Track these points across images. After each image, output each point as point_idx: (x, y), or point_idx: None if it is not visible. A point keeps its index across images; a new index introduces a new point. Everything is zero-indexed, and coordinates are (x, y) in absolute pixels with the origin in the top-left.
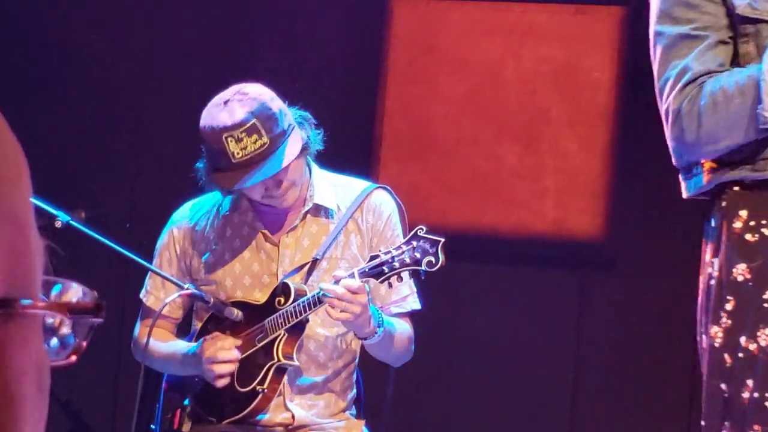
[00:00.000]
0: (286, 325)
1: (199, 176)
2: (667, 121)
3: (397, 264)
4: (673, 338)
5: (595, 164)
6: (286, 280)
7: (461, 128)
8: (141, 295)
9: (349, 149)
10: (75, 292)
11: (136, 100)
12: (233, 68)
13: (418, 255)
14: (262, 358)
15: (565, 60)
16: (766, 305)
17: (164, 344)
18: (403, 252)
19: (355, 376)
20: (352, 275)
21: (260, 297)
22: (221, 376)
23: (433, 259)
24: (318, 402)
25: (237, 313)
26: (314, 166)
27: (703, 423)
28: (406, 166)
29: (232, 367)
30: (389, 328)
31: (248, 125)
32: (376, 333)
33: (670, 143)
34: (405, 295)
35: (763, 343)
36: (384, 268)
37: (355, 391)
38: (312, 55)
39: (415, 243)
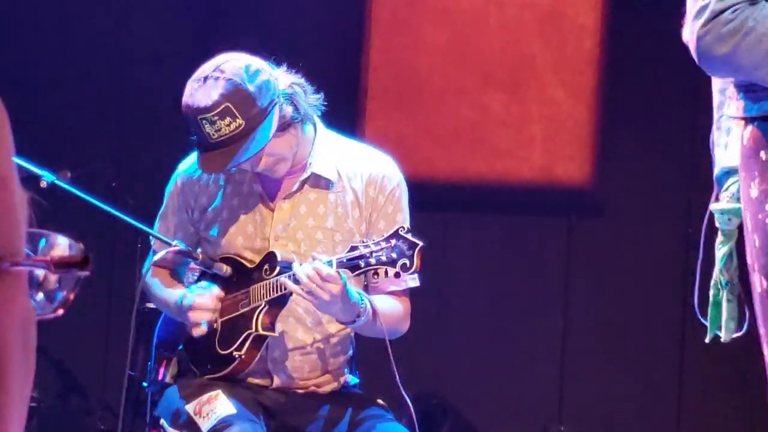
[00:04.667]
0: (267, 297)
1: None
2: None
3: (373, 260)
4: (663, 281)
5: (582, 110)
6: (275, 251)
7: (446, 78)
8: (150, 238)
9: (336, 102)
10: (61, 246)
11: (121, 62)
12: (218, 21)
13: (394, 255)
14: (242, 325)
15: (548, 6)
16: None
17: (161, 289)
18: (381, 249)
19: (349, 338)
20: (330, 263)
21: (253, 258)
22: (197, 324)
23: (407, 262)
24: (303, 365)
25: (226, 269)
26: (320, 130)
27: None
28: (392, 117)
29: (208, 315)
30: (374, 314)
31: (221, 108)
32: (354, 322)
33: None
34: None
35: None
36: (360, 261)
37: (350, 353)
38: (296, 8)
39: (393, 242)
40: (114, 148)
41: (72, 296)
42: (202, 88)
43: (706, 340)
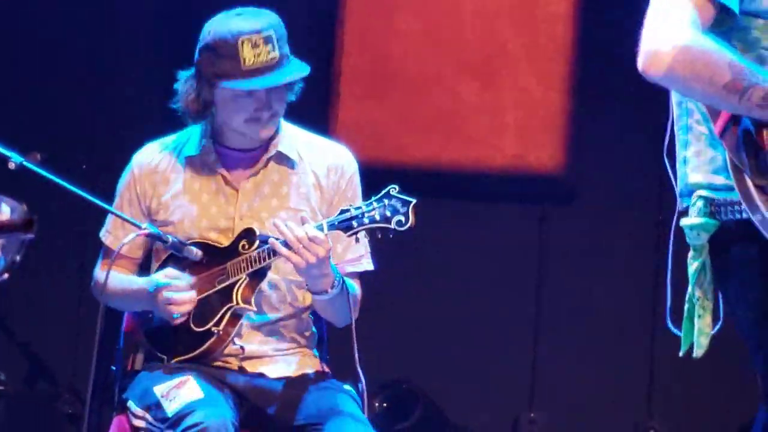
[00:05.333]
0: (248, 270)
1: (177, 100)
2: None
3: (366, 220)
4: (635, 268)
5: (555, 98)
6: (252, 227)
7: (420, 65)
8: (100, 235)
9: (309, 88)
10: (3, 211)
11: (92, 42)
12: (191, 8)
13: (388, 213)
14: (220, 300)
15: None
16: None
17: (121, 281)
18: (374, 209)
19: (312, 317)
20: (320, 227)
21: (219, 239)
22: (178, 316)
23: (403, 218)
24: (269, 339)
25: (196, 252)
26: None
27: None
28: (365, 103)
29: (189, 307)
30: (344, 291)
31: (267, 34)
32: (327, 292)
33: None
34: (360, 255)
35: None
36: (353, 222)
37: (314, 331)
38: None
39: (386, 201)
40: (86, 131)
41: (17, 259)
42: (241, 18)
43: (680, 354)
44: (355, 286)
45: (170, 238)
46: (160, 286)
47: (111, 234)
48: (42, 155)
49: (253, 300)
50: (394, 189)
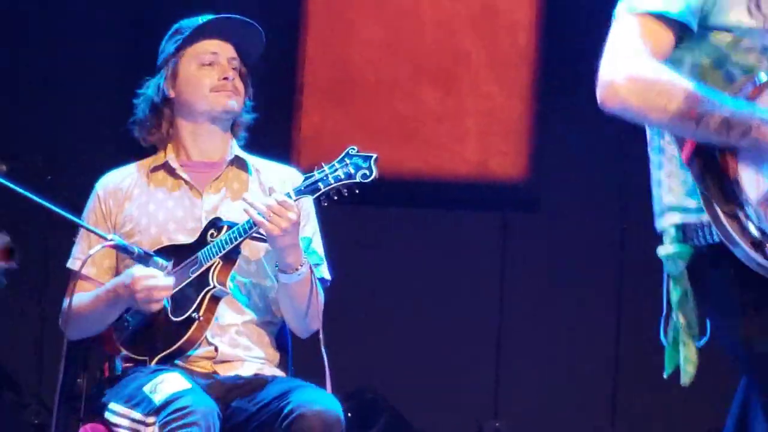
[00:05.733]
0: (220, 252)
1: (140, 102)
2: None
3: (331, 180)
4: (597, 275)
5: (516, 105)
6: (218, 216)
7: (381, 73)
8: (68, 264)
9: (271, 95)
10: None
11: (55, 52)
12: (147, 12)
13: (352, 170)
14: (196, 288)
15: (483, 2)
16: None
17: (89, 295)
18: (336, 169)
19: (277, 329)
20: (288, 195)
21: (187, 240)
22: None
23: (367, 171)
24: (239, 340)
25: (162, 264)
26: None
27: None
28: (327, 111)
29: (167, 293)
30: (313, 279)
31: (236, 17)
32: (297, 270)
33: None
34: (316, 264)
35: None
36: (319, 184)
37: (278, 344)
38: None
39: (348, 160)
40: (48, 140)
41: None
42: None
43: (664, 376)
44: (321, 290)
45: (136, 250)
46: (138, 275)
47: (78, 260)
48: (7, 166)
49: (228, 282)
50: (353, 149)
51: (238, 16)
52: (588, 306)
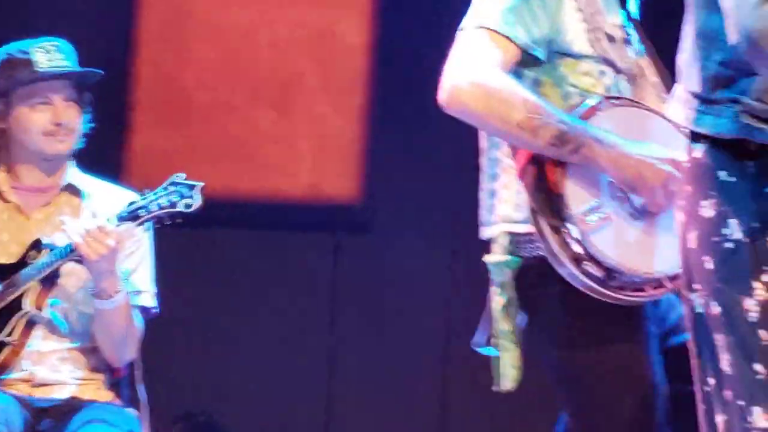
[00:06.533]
0: (39, 275)
1: None
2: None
3: (154, 207)
4: (428, 297)
5: (350, 128)
6: (39, 237)
7: (215, 94)
8: None
9: (101, 115)
10: None
11: None
12: None
13: (175, 198)
14: (10, 311)
15: (319, 25)
16: None
17: None
18: (160, 196)
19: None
20: (109, 220)
21: (8, 260)
22: None
23: (190, 200)
24: (61, 366)
25: None
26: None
27: (721, 417)
28: (158, 132)
29: None
30: (128, 308)
31: (58, 44)
32: (112, 297)
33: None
34: (139, 290)
35: None
36: (140, 211)
37: (109, 367)
38: (60, 15)
39: (172, 188)
40: None
41: None
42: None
43: (498, 389)
44: (140, 318)
45: None
46: None
47: None
48: None
49: (45, 309)
50: (179, 177)
51: (71, 70)
52: (418, 327)
